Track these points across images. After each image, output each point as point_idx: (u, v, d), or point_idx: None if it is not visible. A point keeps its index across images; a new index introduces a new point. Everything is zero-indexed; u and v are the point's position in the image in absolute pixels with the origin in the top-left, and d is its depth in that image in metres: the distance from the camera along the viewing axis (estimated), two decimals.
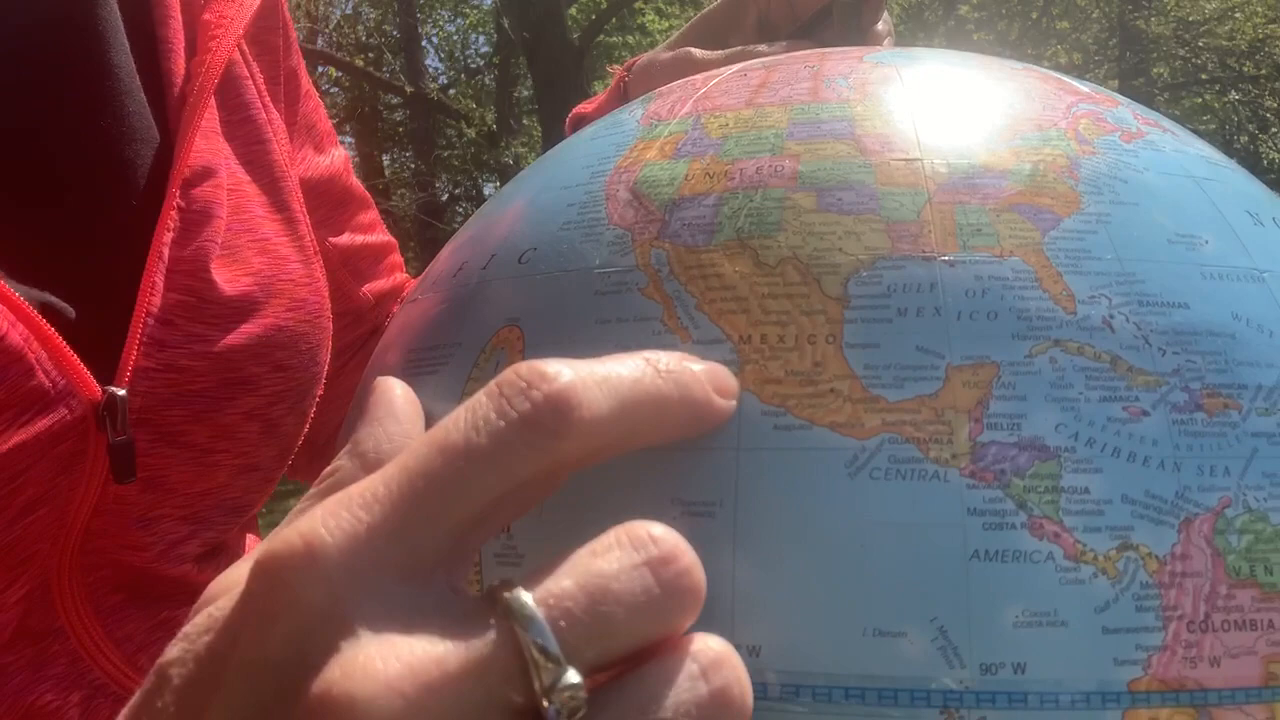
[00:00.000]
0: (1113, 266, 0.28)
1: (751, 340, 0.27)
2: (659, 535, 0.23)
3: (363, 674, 0.21)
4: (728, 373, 0.27)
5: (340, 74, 8.91)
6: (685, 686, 0.22)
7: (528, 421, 0.23)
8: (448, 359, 0.31)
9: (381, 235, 0.72)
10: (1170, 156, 0.32)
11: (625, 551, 0.23)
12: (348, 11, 9.58)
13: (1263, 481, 0.26)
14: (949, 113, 0.32)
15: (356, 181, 0.70)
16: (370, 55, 9.64)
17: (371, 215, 0.71)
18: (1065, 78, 0.36)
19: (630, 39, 9.25)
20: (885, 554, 0.25)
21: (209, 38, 0.52)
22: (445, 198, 10.07)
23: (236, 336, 0.49)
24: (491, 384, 0.24)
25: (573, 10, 8.10)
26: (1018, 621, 0.24)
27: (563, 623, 0.22)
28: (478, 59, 10.88)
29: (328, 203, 0.66)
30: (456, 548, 0.23)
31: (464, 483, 0.23)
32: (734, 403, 0.26)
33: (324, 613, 0.22)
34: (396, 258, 0.74)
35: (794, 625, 0.25)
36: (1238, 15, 8.31)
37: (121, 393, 0.44)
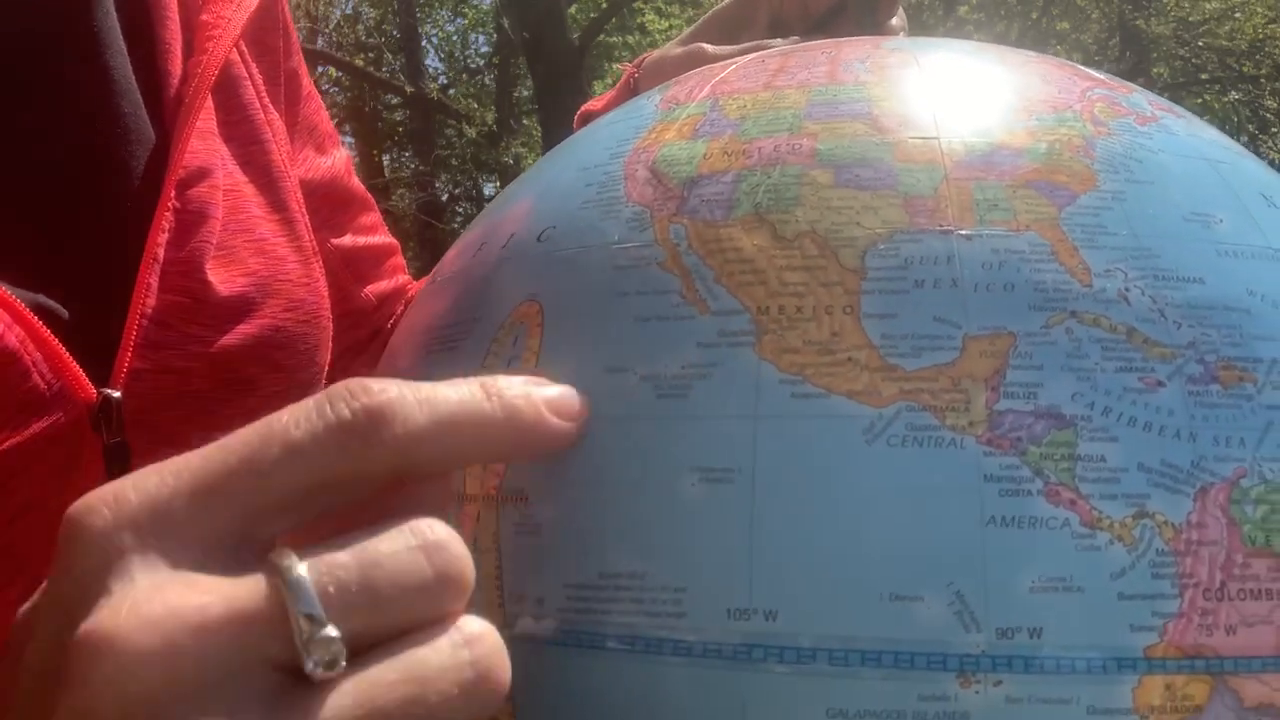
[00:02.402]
0: (1128, 242, 0.28)
1: (769, 311, 0.27)
2: (436, 525, 0.24)
3: (127, 612, 0.22)
4: (574, 398, 0.28)
5: (340, 74, 8.91)
6: (447, 652, 0.23)
7: (344, 425, 0.24)
8: (467, 334, 0.32)
9: (383, 237, 0.72)
10: (1184, 140, 0.32)
11: (403, 534, 0.24)
12: (348, 11, 9.59)
13: (1278, 453, 0.26)
14: (965, 95, 0.32)
15: (358, 183, 0.70)
16: (370, 55, 9.63)
17: (373, 217, 0.71)
18: (1078, 66, 0.36)
19: (630, 39, 9.24)
20: (902, 520, 0.25)
21: (206, 38, 0.52)
22: (445, 198, 10.06)
23: (233, 338, 0.49)
24: (322, 392, 0.25)
25: (573, 10, 8.10)
26: (1034, 587, 0.24)
27: (331, 588, 0.23)
28: (478, 59, 10.88)
29: (329, 204, 0.66)
30: (252, 527, 0.24)
31: (271, 468, 0.24)
32: (573, 425, 0.27)
33: (109, 559, 0.23)
34: (399, 259, 0.74)
35: (811, 590, 0.25)
36: (1238, 15, 8.31)
37: (116, 395, 0.44)
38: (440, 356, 0.33)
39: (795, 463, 0.26)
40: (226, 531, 0.24)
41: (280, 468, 0.24)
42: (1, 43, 0.46)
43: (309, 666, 0.22)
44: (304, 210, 0.58)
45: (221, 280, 0.49)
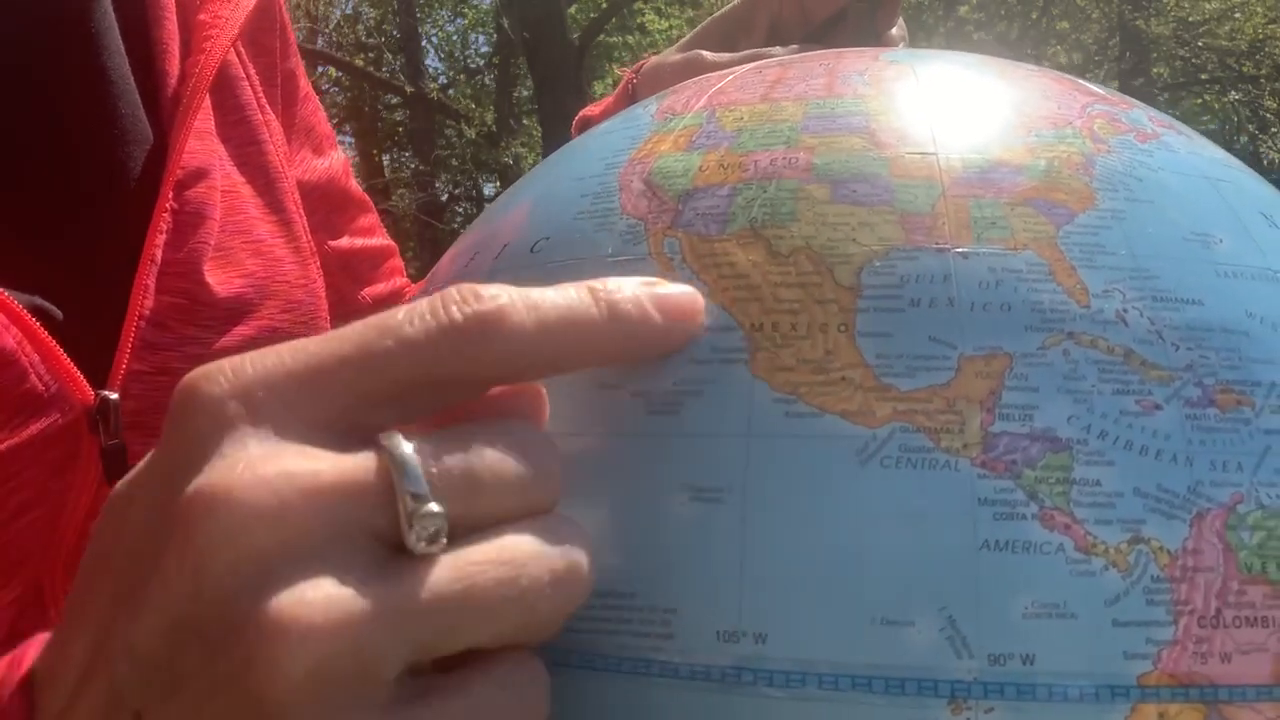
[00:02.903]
0: (1126, 262, 0.28)
1: (763, 328, 0.27)
2: (531, 428, 0.26)
3: (243, 468, 0.23)
4: (691, 298, 0.27)
5: (340, 74, 8.91)
6: (539, 541, 0.24)
7: (455, 324, 0.25)
8: None
9: (381, 239, 0.72)
10: (1184, 157, 0.32)
11: (503, 432, 0.25)
12: (348, 11, 9.59)
13: (1275, 479, 0.26)
14: (964, 109, 0.32)
15: (356, 185, 0.70)
16: (370, 55, 9.63)
17: (371, 219, 0.71)
18: (1079, 81, 0.36)
19: (630, 39, 9.24)
20: (894, 542, 0.25)
21: (204, 38, 0.52)
22: (445, 198, 10.06)
23: (230, 339, 0.49)
24: (437, 293, 0.26)
25: (573, 10, 8.10)
26: (1027, 613, 0.24)
27: (434, 470, 0.24)
28: (477, 59, 10.88)
29: (326, 206, 0.66)
30: (361, 413, 0.25)
31: (383, 359, 0.24)
32: (688, 325, 0.27)
33: (222, 424, 0.24)
34: (396, 262, 0.74)
35: (802, 612, 0.25)
36: (1238, 15, 8.31)
37: (114, 397, 0.44)
38: None
39: (787, 483, 0.25)
40: (337, 414, 0.24)
41: (392, 359, 0.24)
42: None
43: (411, 540, 0.23)
44: (301, 211, 0.57)
45: (219, 281, 0.49)
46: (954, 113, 0.32)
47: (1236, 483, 0.25)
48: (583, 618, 0.26)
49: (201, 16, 0.52)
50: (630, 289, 0.27)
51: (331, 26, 9.17)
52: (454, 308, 0.25)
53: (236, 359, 0.24)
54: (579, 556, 0.25)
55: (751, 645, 0.25)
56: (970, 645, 0.24)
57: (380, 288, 0.71)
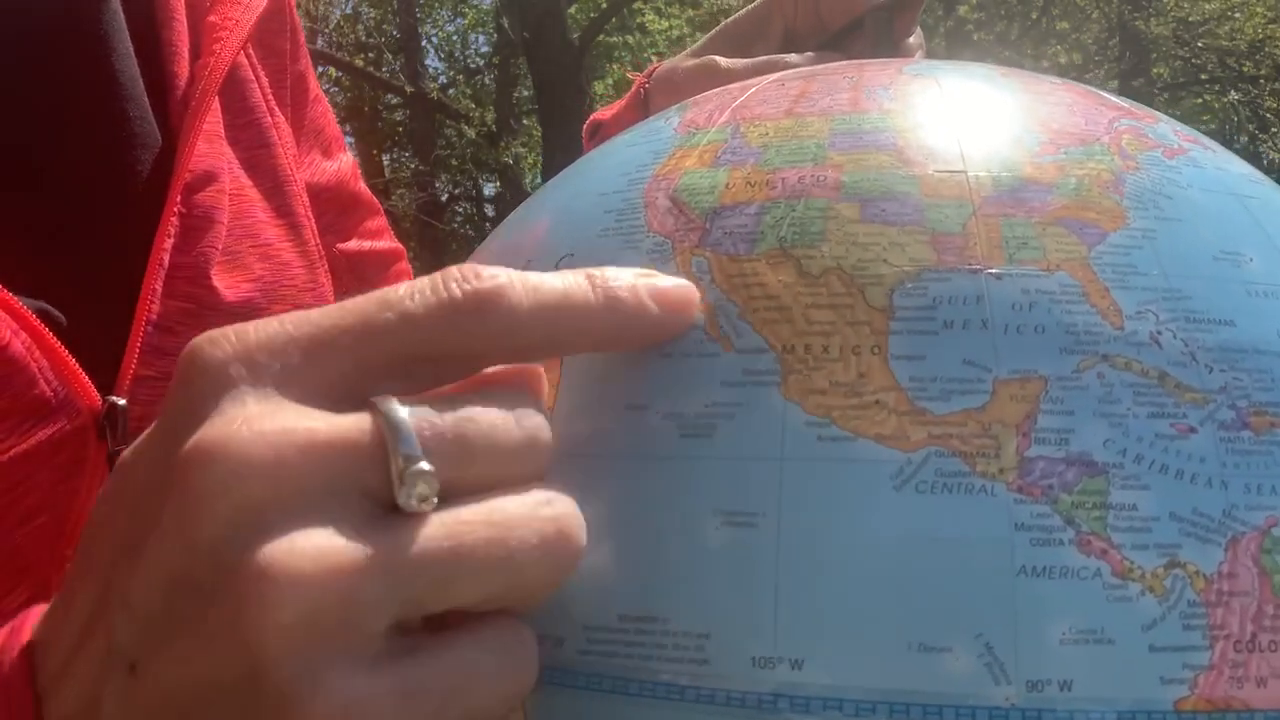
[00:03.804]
0: (1159, 282, 0.27)
1: (795, 350, 0.27)
2: (525, 397, 0.27)
3: (240, 423, 0.23)
4: (686, 291, 0.28)
5: (340, 74, 8.91)
6: (529, 505, 0.25)
7: (454, 300, 0.25)
8: None
9: (389, 242, 0.71)
10: (1212, 174, 0.32)
11: (496, 399, 0.26)
12: (348, 11, 9.58)
13: None
14: (992, 125, 0.32)
15: (364, 187, 0.70)
16: (370, 55, 9.62)
17: (379, 221, 0.71)
18: (1102, 93, 0.36)
19: (630, 39, 9.23)
20: (931, 568, 0.25)
21: (214, 40, 0.51)
22: (445, 198, 10.06)
23: None
24: (439, 271, 0.26)
25: (573, 10, 8.09)
26: (1064, 639, 0.24)
27: (427, 433, 0.24)
28: (477, 59, 10.87)
29: (335, 208, 0.65)
30: (357, 381, 0.25)
31: (383, 331, 0.25)
32: (683, 317, 0.28)
33: (223, 384, 0.24)
34: (404, 265, 0.74)
35: (837, 638, 0.25)
36: (1238, 15, 8.31)
37: (122, 402, 0.44)
38: None
39: (822, 508, 0.25)
40: (335, 382, 0.25)
41: (391, 331, 0.25)
42: (7, 45, 0.45)
43: (402, 499, 0.24)
44: (310, 215, 0.57)
45: (227, 286, 0.49)
46: (981, 129, 0.32)
47: (1271, 506, 0.25)
48: (615, 642, 0.26)
49: (211, 18, 0.52)
50: (627, 278, 0.28)
51: (331, 26, 9.17)
52: (454, 284, 0.26)
53: (240, 325, 0.25)
54: (569, 525, 0.25)
55: (788, 672, 0.25)
56: (1008, 671, 0.24)
57: None
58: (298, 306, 0.53)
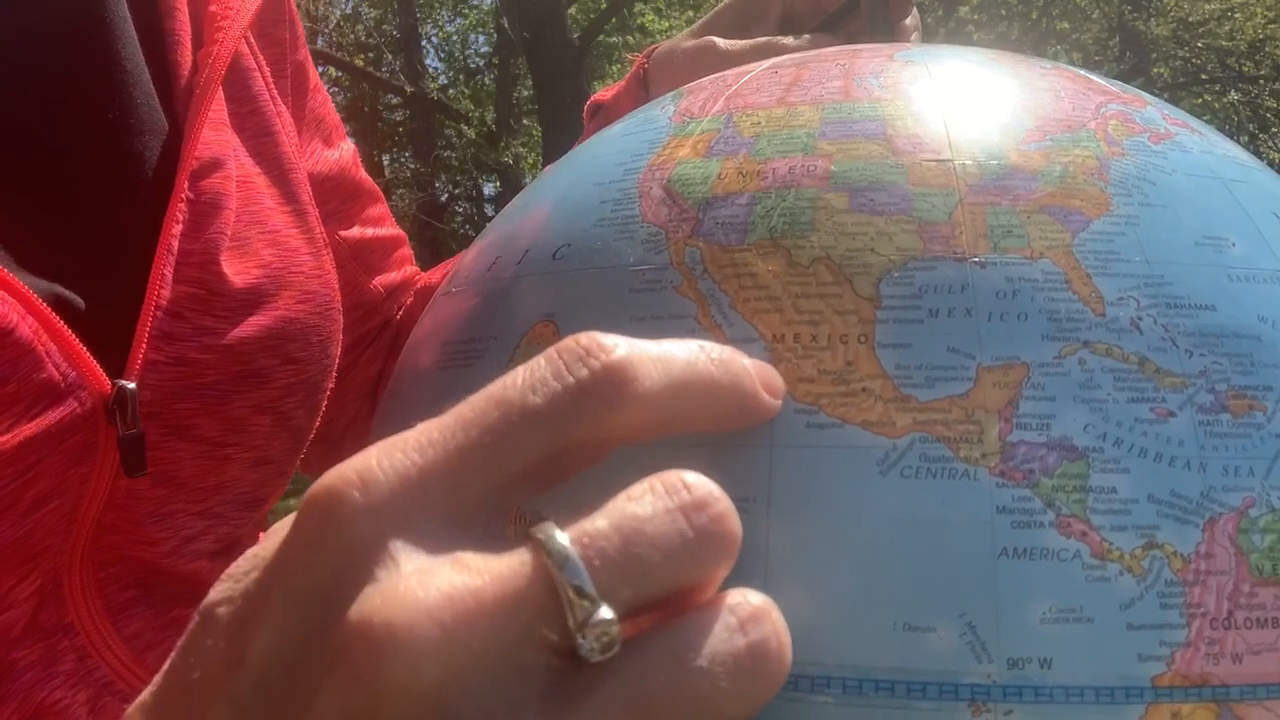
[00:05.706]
0: (1141, 269, 0.28)
1: (785, 339, 0.27)
2: (692, 482, 0.23)
3: (402, 601, 0.21)
4: (775, 373, 0.27)
5: (340, 74, 8.91)
6: (722, 637, 0.22)
7: (584, 387, 0.23)
8: (483, 353, 0.32)
9: (391, 228, 0.72)
10: (1198, 158, 0.32)
11: (659, 497, 0.23)
12: (348, 11, 9.58)
13: None
14: (980, 112, 0.33)
15: (365, 175, 0.70)
16: (370, 55, 9.63)
17: (381, 209, 0.71)
18: (1094, 76, 0.36)
19: (630, 39, 9.24)
20: (915, 550, 0.25)
21: (215, 29, 0.52)
22: (445, 198, 10.07)
23: (246, 329, 0.49)
24: (551, 349, 0.24)
25: (573, 10, 8.10)
26: (1044, 618, 0.25)
27: (597, 561, 0.22)
28: (477, 59, 10.88)
29: (337, 196, 0.66)
30: (500, 500, 0.23)
31: (515, 439, 0.23)
32: (779, 403, 0.27)
33: (369, 545, 0.22)
34: (406, 250, 0.74)
35: (825, 619, 0.25)
36: (1237, 15, 8.31)
37: (131, 386, 0.44)
38: (456, 373, 0.33)
39: (810, 493, 0.26)
40: (477, 507, 0.23)
41: (522, 438, 0.23)
42: (14, 34, 0.46)
43: (585, 651, 0.22)
44: (314, 202, 0.58)
45: (235, 271, 0.49)
46: (969, 116, 0.32)
47: (1248, 487, 0.26)
48: None
49: (212, 8, 0.52)
50: (731, 354, 0.26)
51: (331, 26, 9.17)
52: (578, 364, 0.24)
53: (362, 463, 0.23)
54: (768, 646, 0.23)
55: None
56: (989, 650, 0.25)
57: (392, 276, 0.71)
58: (305, 292, 0.53)
